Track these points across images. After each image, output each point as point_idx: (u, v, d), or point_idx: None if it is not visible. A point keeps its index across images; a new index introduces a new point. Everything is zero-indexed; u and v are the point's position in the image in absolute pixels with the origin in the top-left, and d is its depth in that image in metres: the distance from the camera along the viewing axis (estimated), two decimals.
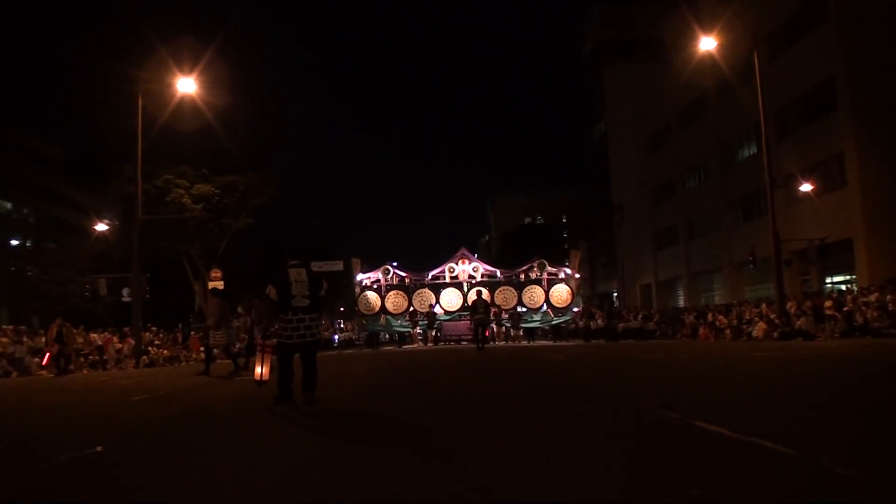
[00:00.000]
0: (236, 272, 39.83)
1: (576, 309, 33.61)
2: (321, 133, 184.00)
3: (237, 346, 17.26)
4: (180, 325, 39.72)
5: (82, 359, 23.31)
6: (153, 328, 30.07)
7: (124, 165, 31.51)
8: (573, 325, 34.30)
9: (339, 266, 40.34)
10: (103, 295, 33.51)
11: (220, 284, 33.89)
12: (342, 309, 59.73)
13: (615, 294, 62.12)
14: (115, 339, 26.41)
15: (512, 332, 31.86)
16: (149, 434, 6.34)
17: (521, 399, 7.66)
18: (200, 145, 37.60)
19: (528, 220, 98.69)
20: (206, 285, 34.71)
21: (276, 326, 8.18)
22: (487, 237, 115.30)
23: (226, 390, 10.83)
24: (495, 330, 31.09)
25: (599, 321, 32.50)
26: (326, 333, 35.61)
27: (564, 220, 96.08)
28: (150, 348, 26.50)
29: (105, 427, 7.09)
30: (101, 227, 42.66)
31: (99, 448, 5.49)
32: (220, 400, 9.33)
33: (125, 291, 29.20)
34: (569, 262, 35.16)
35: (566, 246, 78.43)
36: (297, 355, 7.94)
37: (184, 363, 26.63)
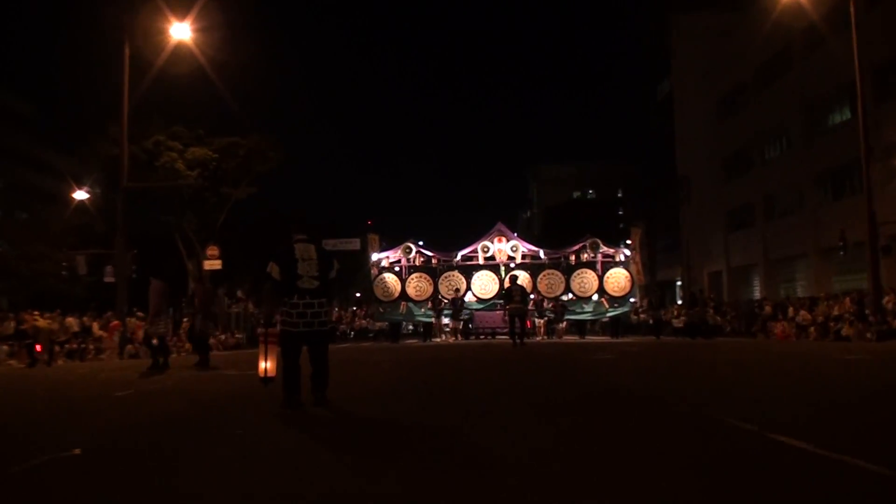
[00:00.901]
0: (236, 250, 40.32)
1: (633, 300, 32.72)
2: (337, 90, 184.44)
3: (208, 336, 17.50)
4: (171, 311, 40.14)
5: (58, 347, 23.60)
6: (140, 314, 30.30)
7: (108, 125, 31.63)
8: (636, 318, 34.09)
9: (355, 245, 40.48)
10: (83, 274, 33.95)
11: (217, 264, 34.33)
12: (358, 295, 60.00)
13: (678, 283, 61.61)
14: (96, 325, 26.64)
15: (556, 325, 31.30)
16: (132, 436, 6.41)
17: (581, 409, 7.55)
18: (196, 102, 37.72)
19: (576, 193, 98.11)
20: (201, 263, 35.10)
21: (280, 313, 8.12)
22: (528, 213, 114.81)
23: (221, 387, 10.94)
24: (538, 323, 30.83)
25: (677, 314, 32.10)
26: (342, 326, 35.43)
27: (619, 195, 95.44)
28: (135, 337, 26.71)
29: (85, 426, 7.21)
30: (80, 195, 42.72)
31: (77, 451, 5.60)
32: (214, 399, 9.40)
33: (108, 270, 29.59)
34: (628, 242, 33.97)
35: (621, 225, 77.90)
36: (305, 348, 7.92)
37: (175, 354, 26.84)
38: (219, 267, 34.07)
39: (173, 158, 35.18)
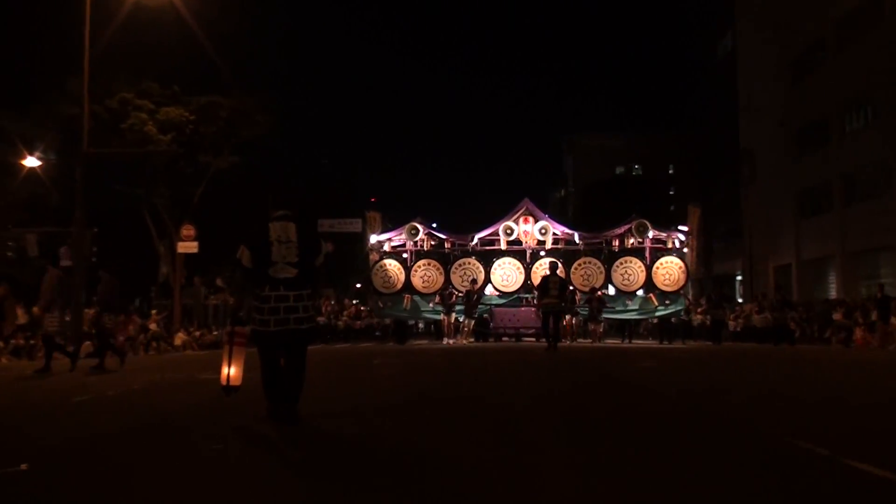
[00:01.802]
0: (217, 230, 40.17)
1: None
2: (340, 40, 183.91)
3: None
4: (138, 301, 40.28)
5: (1, 343, 23.66)
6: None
7: (66, 80, 31.59)
8: (689, 318, 33.51)
9: (356, 226, 40.57)
10: (33, 256, 33.98)
11: (193, 246, 34.44)
12: (359, 286, 60.14)
13: (738, 277, 61.45)
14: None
15: (590, 325, 30.66)
16: (86, 449, 6.49)
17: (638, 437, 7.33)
18: (171, 54, 37.33)
19: (620, 169, 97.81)
20: (174, 246, 35.16)
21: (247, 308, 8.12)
22: (562, 192, 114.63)
23: (185, 396, 11.01)
24: (570, 322, 29.95)
25: (757, 314, 31.72)
26: (343, 319, 35.16)
27: (671, 172, 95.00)
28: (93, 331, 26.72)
29: (35, 437, 7.26)
30: (31, 162, 42.42)
31: (23, 466, 5.66)
32: (182, 408, 9.45)
33: (63, 252, 29.60)
34: (682, 229, 33.29)
35: (672, 207, 77.61)
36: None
37: (142, 353, 26.92)
38: (195, 250, 34.13)
39: (142, 120, 34.76)
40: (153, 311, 32.48)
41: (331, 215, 48.97)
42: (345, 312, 37.34)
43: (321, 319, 32.91)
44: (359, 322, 36.51)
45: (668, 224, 35.81)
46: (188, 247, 33.94)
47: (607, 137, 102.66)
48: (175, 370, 16.71)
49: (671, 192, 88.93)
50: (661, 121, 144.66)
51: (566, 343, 27.34)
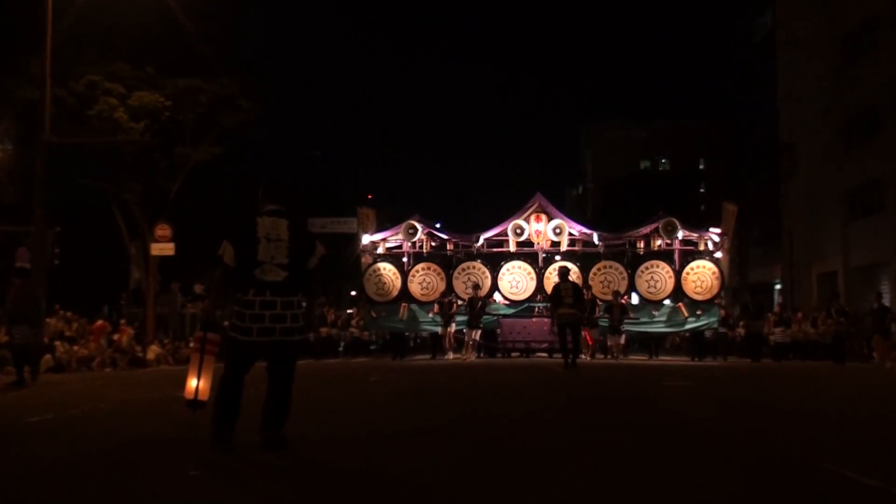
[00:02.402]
0: (195, 231, 40.12)
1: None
2: (337, 22, 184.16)
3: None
4: (106, 309, 40.23)
5: None
6: (64, 313, 30.32)
7: (26, 61, 31.47)
8: (724, 331, 32.69)
9: (351, 226, 40.32)
10: None
11: (168, 248, 34.36)
12: (353, 294, 60.05)
13: (776, 286, 61.16)
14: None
15: (609, 338, 29.86)
16: (36, 482, 6.38)
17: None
18: (145, 32, 37.21)
19: (644, 163, 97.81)
20: (147, 247, 35.05)
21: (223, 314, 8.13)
22: (580, 188, 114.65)
23: (162, 416, 10.94)
24: (591, 336, 29.02)
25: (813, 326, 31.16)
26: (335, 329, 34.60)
27: (701, 168, 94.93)
28: (57, 343, 26.70)
29: None
30: None
31: None
32: (151, 431, 9.32)
33: (21, 253, 29.51)
34: (715, 231, 32.02)
35: (703, 207, 77.55)
36: (265, 365, 7.65)
37: (109, 368, 26.87)
38: (171, 252, 33.99)
39: (112, 105, 34.52)
40: (122, 322, 32.29)
41: (323, 214, 48.77)
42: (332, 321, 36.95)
43: (325, 331, 32.64)
44: (337, 331, 35.78)
45: (699, 225, 34.78)
46: (163, 249, 33.80)
47: (631, 128, 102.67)
48: (147, 387, 16.68)
49: (701, 190, 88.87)
50: (691, 110, 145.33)
51: (585, 359, 26.89)
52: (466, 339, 29.46)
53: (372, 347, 35.04)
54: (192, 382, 8.07)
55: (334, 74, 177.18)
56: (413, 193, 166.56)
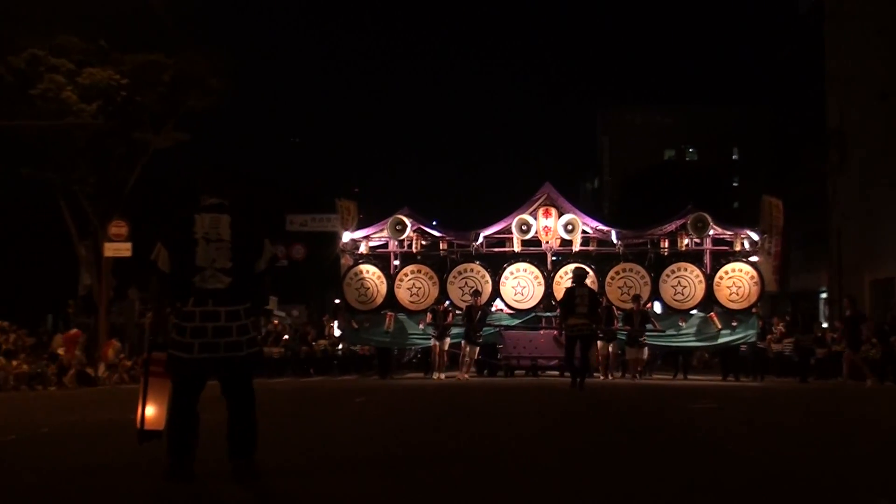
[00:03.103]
0: (156, 227, 40.00)
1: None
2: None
3: None
4: (51, 319, 39.98)
5: None
6: (4, 323, 30.17)
7: None
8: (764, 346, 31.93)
9: (333, 224, 40.00)
10: None
11: (124, 248, 34.18)
12: (337, 302, 59.92)
13: (822, 294, 61.03)
14: None
15: (629, 351, 29.04)
16: None
17: None
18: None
19: (669, 153, 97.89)
20: (100, 248, 34.86)
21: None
22: (596, 182, 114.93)
23: (113, 442, 10.65)
24: (604, 351, 28.44)
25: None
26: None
27: (735, 158, 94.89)
28: None
29: None
30: None
31: None
32: (107, 458, 9.22)
33: None
34: (752, 236, 31.14)
35: (735, 204, 77.46)
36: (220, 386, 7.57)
37: (55, 387, 26.99)
38: (127, 254, 33.87)
39: (59, 84, 34.16)
40: (73, 331, 31.99)
41: (303, 209, 48.63)
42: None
43: (277, 351, 32.49)
44: (306, 348, 35.54)
45: (731, 222, 34.13)
46: (118, 249, 33.66)
47: (654, 112, 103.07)
48: (98, 409, 16.58)
49: (735, 184, 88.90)
50: (725, 93, 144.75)
51: (599, 378, 26.82)
52: (462, 355, 28.65)
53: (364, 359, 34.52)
54: (146, 410, 7.98)
55: (321, 51, 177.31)
56: (406, 190, 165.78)
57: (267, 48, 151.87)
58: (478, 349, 29.22)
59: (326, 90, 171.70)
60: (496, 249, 31.89)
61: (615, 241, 31.14)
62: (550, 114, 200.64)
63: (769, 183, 67.91)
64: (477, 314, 28.38)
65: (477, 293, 29.21)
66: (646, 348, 29.23)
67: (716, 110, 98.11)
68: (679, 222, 30.73)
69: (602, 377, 27.29)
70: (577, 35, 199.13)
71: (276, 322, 38.57)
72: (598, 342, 27.38)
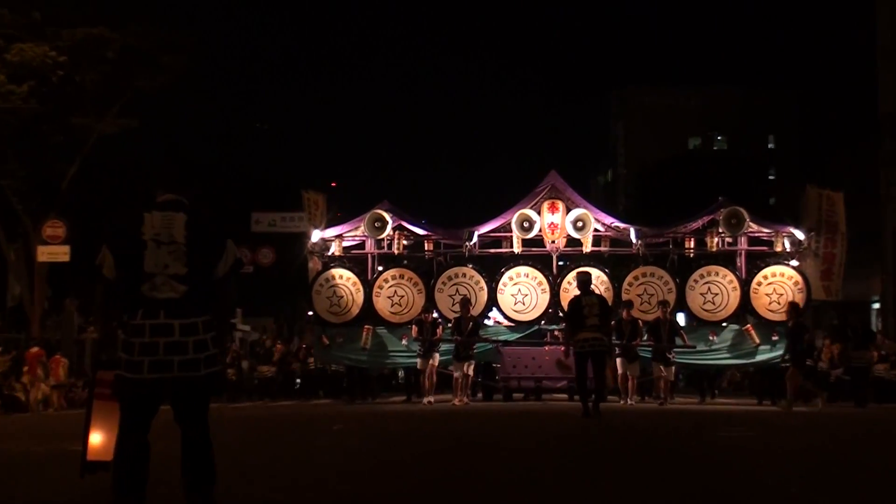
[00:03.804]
0: (99, 227, 39.82)
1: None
2: None
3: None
4: None
5: None
6: None
7: None
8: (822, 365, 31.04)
9: (302, 224, 39.61)
10: None
11: (61, 252, 34.09)
12: (311, 314, 59.83)
13: (874, 304, 60.77)
14: None
15: (661, 368, 27.75)
16: None
17: None
18: None
19: (694, 142, 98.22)
20: (32, 252, 34.71)
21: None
22: (609, 175, 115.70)
23: (57, 472, 10.72)
24: (625, 371, 27.48)
25: None
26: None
27: (771, 147, 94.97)
28: None
29: None
30: None
31: None
32: (40, 494, 9.42)
33: None
34: (800, 217, 30.98)
35: (771, 201, 77.29)
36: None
37: None
38: (65, 258, 34.05)
39: None
40: None
41: (271, 207, 48.32)
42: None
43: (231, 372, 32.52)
44: (267, 368, 35.30)
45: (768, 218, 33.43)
46: (54, 253, 33.78)
47: (677, 94, 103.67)
48: (31, 438, 16.80)
49: (770, 177, 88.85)
50: (758, 72, 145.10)
51: (621, 402, 26.49)
52: (456, 375, 27.66)
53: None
54: (90, 438, 8.00)
55: (297, 25, 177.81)
56: (393, 189, 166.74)
57: (236, 20, 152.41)
58: (473, 365, 28.22)
59: (307, 72, 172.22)
60: (492, 251, 31.45)
61: (634, 239, 30.32)
62: (555, 95, 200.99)
63: (811, 176, 68.02)
64: (468, 326, 27.59)
65: (467, 301, 28.29)
66: (674, 367, 28.60)
67: (749, 93, 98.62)
68: (708, 217, 30.16)
69: (623, 402, 26.83)
70: (584, 3, 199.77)
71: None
72: (618, 360, 27.08)
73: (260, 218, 47.39)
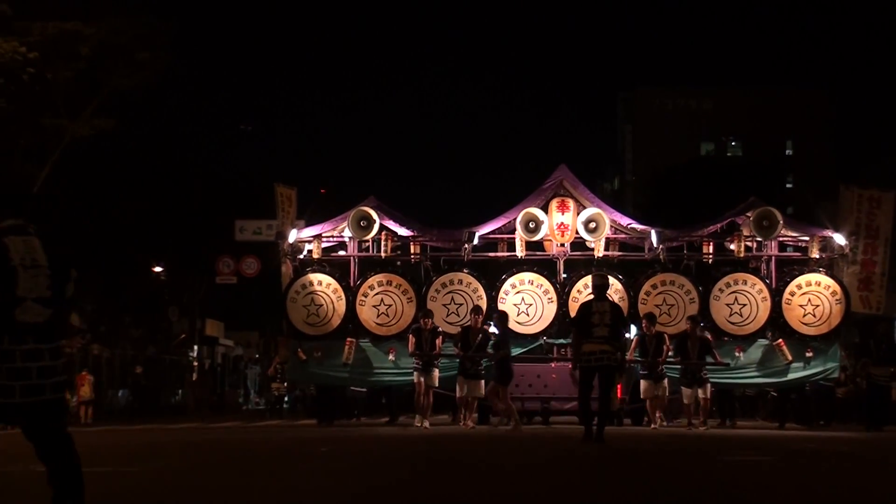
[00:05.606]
0: (73, 234, 39.58)
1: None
2: None
3: None
4: None
5: None
6: None
7: None
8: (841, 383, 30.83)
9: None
10: None
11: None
12: (285, 325, 59.99)
13: None
14: None
15: (690, 390, 26.57)
16: None
17: None
18: None
19: (707, 147, 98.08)
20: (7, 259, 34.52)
21: None
22: (616, 181, 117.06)
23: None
24: (651, 393, 26.46)
25: None
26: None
27: (789, 153, 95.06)
28: None
29: None
30: None
31: None
32: None
33: None
34: (839, 217, 30.05)
35: (790, 210, 77.26)
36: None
37: None
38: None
39: None
40: None
41: (254, 215, 48.77)
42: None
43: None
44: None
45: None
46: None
47: (688, 95, 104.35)
48: None
49: (788, 185, 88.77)
50: (775, 71, 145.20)
51: (652, 426, 25.74)
52: (460, 394, 26.45)
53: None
54: None
55: (298, 22, 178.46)
56: (396, 196, 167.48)
57: (223, 13, 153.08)
58: (482, 383, 26.60)
59: (306, 74, 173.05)
60: (492, 254, 30.28)
61: (655, 243, 29.04)
62: (558, 97, 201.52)
63: (833, 184, 68.05)
64: (477, 338, 26.27)
65: (479, 310, 27.14)
66: (709, 385, 27.16)
67: (766, 94, 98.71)
68: (734, 217, 29.63)
69: (654, 426, 25.98)
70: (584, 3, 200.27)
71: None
72: (643, 382, 26.45)
73: (244, 226, 47.07)
